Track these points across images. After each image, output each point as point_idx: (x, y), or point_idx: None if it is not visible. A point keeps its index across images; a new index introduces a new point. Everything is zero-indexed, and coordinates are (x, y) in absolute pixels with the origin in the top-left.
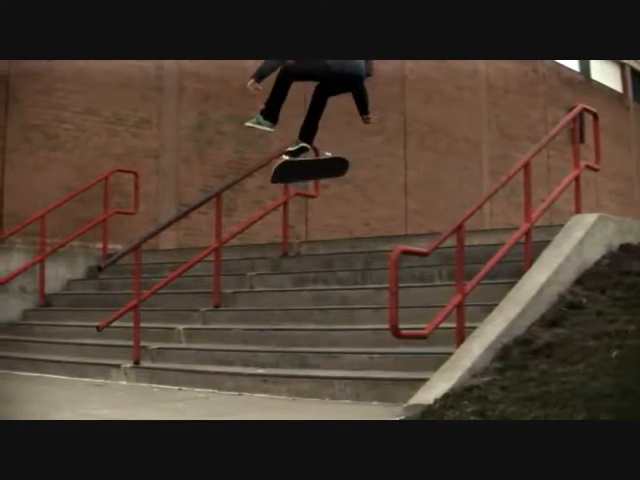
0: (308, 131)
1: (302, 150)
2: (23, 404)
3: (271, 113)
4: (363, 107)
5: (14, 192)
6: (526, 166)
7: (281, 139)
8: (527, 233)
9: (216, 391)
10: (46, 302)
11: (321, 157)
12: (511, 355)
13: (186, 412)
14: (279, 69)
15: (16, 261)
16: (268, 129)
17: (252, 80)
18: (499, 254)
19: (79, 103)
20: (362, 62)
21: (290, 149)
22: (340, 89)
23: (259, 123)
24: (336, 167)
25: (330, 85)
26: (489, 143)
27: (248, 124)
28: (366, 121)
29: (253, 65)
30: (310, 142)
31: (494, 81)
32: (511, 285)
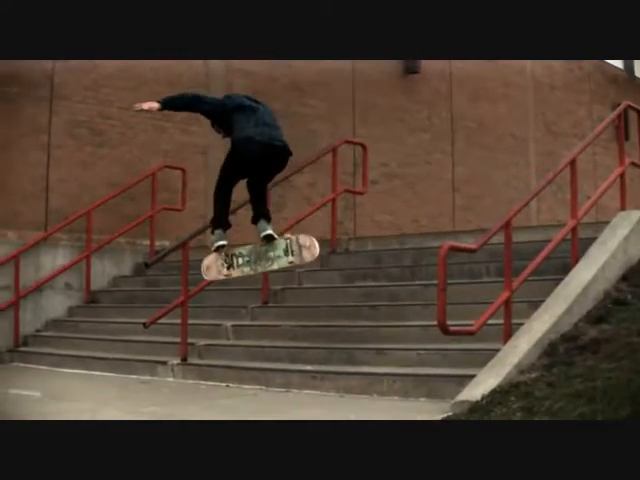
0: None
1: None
2: (72, 401)
3: (220, 221)
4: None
5: (60, 188)
6: (572, 163)
7: (332, 135)
8: (573, 230)
9: (264, 388)
10: (92, 299)
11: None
12: (557, 351)
13: (234, 409)
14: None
15: (61, 258)
16: (222, 242)
17: (154, 104)
18: (546, 251)
19: (126, 99)
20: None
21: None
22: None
23: (217, 241)
24: None
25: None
26: (536, 140)
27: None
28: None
29: (302, 63)
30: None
31: (540, 78)
32: (557, 282)
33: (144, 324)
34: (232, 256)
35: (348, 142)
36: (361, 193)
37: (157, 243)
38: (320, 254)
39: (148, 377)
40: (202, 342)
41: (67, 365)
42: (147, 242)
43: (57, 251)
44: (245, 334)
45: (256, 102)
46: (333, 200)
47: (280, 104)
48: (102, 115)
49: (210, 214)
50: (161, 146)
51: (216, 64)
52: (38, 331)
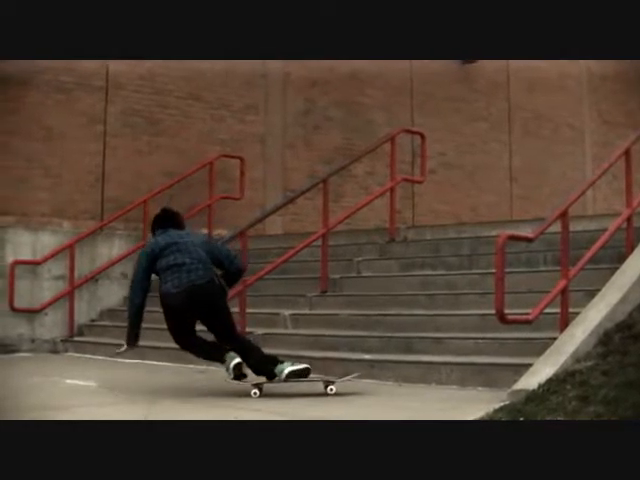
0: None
1: None
2: (128, 392)
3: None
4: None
5: (115, 178)
6: (627, 153)
7: (389, 124)
8: (629, 219)
9: (323, 376)
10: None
11: None
12: (613, 340)
13: (294, 398)
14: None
15: (117, 247)
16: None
17: (124, 347)
18: (602, 240)
19: (183, 88)
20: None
21: None
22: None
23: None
24: None
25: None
26: (591, 130)
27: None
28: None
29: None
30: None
31: (594, 68)
32: (613, 270)
33: None
34: None
35: (406, 131)
36: (420, 182)
37: (214, 232)
38: (378, 243)
39: (204, 367)
40: (260, 331)
41: (124, 355)
42: (205, 231)
43: (113, 240)
44: (303, 323)
45: (180, 235)
46: (391, 189)
47: (338, 94)
48: (158, 104)
49: (268, 202)
50: (218, 135)
51: None
52: (93, 321)
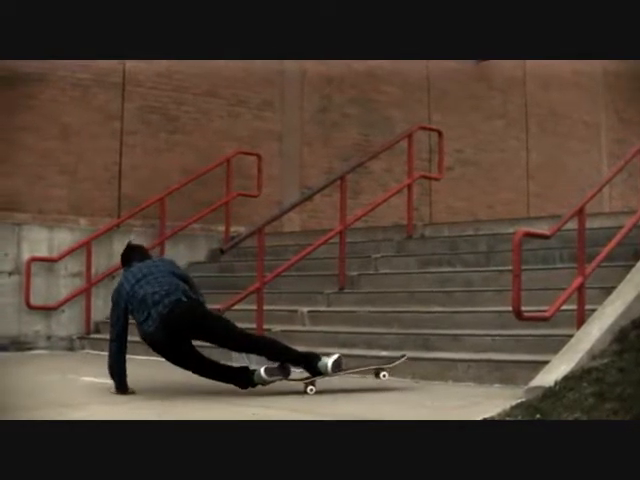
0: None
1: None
2: (143, 390)
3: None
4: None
5: (132, 175)
6: None
7: (406, 121)
8: None
9: (340, 373)
10: None
11: None
12: (629, 337)
13: (312, 395)
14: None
15: None
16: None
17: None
18: (618, 237)
19: (200, 85)
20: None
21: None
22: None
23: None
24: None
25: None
26: (607, 127)
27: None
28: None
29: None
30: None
31: (609, 67)
32: (628, 268)
33: (219, 310)
34: None
35: (423, 128)
36: (437, 179)
37: (232, 229)
38: (396, 240)
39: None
40: (278, 328)
41: (139, 352)
42: (221, 228)
43: (130, 237)
44: (321, 320)
45: (145, 266)
46: (409, 186)
47: (355, 91)
48: (175, 101)
49: (286, 199)
50: (235, 132)
51: None
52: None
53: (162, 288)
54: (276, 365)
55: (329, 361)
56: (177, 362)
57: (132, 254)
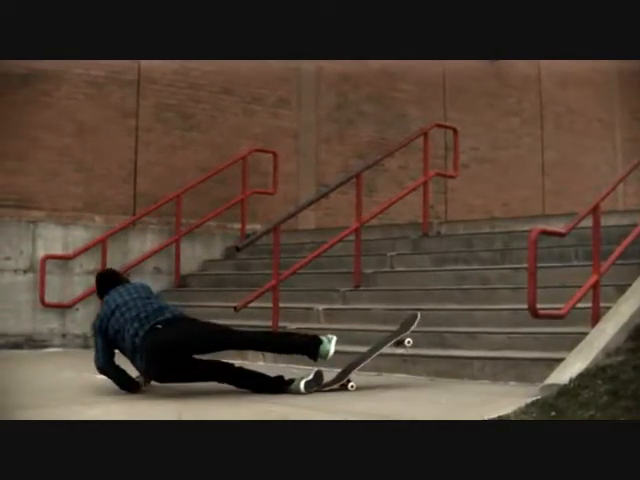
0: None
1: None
2: (160, 386)
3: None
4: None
5: (148, 172)
6: None
7: (422, 119)
8: None
9: (355, 371)
10: (182, 282)
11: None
12: None
13: (325, 392)
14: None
15: (150, 242)
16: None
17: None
18: (633, 235)
19: (215, 83)
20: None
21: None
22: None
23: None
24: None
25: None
26: (621, 125)
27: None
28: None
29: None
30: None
31: (624, 65)
32: None
33: (235, 308)
34: None
35: (439, 126)
36: (453, 176)
37: (248, 227)
38: (412, 238)
39: (239, 361)
40: (293, 325)
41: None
42: (237, 226)
43: (146, 235)
44: (337, 317)
45: (120, 294)
46: (425, 183)
47: (371, 88)
48: (191, 98)
49: (302, 197)
50: (251, 130)
51: None
52: None
53: (142, 312)
54: (311, 377)
55: (330, 346)
56: (195, 379)
57: (107, 281)
